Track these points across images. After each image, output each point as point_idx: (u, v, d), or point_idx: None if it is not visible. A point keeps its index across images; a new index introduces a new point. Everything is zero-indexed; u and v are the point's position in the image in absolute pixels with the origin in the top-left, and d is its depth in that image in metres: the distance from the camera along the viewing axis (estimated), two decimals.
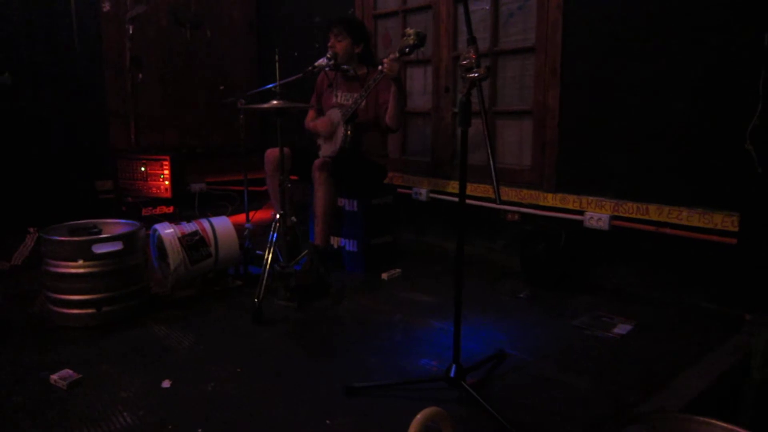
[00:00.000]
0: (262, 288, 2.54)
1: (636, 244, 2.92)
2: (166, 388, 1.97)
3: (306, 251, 2.96)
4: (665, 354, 2.23)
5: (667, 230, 2.78)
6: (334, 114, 3.28)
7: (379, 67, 2.93)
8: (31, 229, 3.40)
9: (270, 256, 2.62)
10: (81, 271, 2.41)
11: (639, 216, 2.87)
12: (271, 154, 3.28)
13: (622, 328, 2.45)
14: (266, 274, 2.58)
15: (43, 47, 4.02)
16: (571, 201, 3.14)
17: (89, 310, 2.44)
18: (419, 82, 4.00)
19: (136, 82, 4.61)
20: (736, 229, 2.56)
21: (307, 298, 2.76)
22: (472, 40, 1.73)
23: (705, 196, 2.67)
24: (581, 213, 3.08)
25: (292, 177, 3.39)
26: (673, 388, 1.95)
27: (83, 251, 2.41)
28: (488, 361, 2.09)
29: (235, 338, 2.38)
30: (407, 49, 2.82)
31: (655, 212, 2.81)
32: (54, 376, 1.99)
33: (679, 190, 2.75)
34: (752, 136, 2.48)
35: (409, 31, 2.81)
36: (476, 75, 1.70)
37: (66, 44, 4.16)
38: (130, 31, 4.51)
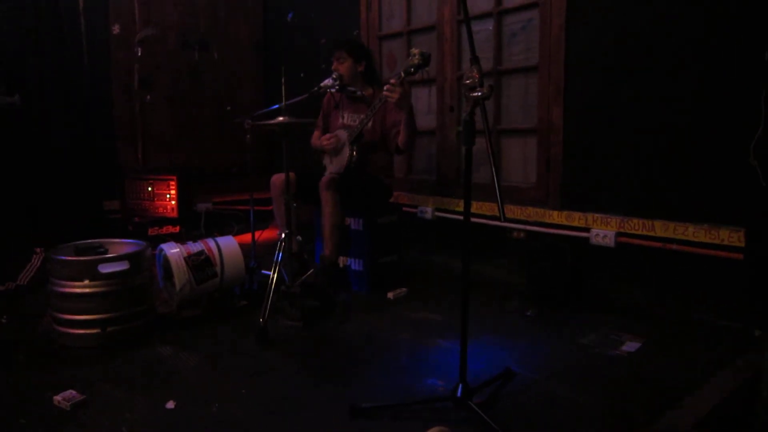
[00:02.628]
0: (267, 308, 2.54)
1: (642, 260, 2.90)
2: (171, 409, 1.95)
3: (312, 270, 2.95)
4: (675, 371, 2.20)
5: (674, 246, 2.77)
6: (341, 135, 3.30)
7: (383, 93, 2.95)
8: (38, 249, 3.41)
9: (275, 275, 2.62)
10: (87, 290, 2.41)
11: (645, 232, 2.86)
12: (278, 179, 3.28)
13: (630, 346, 2.42)
14: (271, 294, 2.57)
15: (52, 69, 4.07)
16: (576, 218, 3.13)
17: (94, 330, 2.43)
18: (424, 102, 4.03)
19: (144, 103, 4.66)
20: (743, 245, 2.54)
21: (312, 318, 2.75)
22: (475, 60, 1.75)
23: (710, 211, 2.66)
24: (587, 230, 3.07)
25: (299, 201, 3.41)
26: (684, 406, 1.93)
27: (89, 271, 2.42)
28: (495, 380, 2.07)
29: (240, 358, 2.37)
30: (412, 69, 2.84)
31: (661, 228, 2.80)
32: (58, 397, 1.98)
33: (684, 206, 2.74)
34: (756, 150, 2.48)
35: (414, 51, 2.83)
36: (479, 94, 1.72)
37: (75, 66, 4.22)
38: (139, 53, 4.57)
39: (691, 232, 2.70)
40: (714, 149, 2.64)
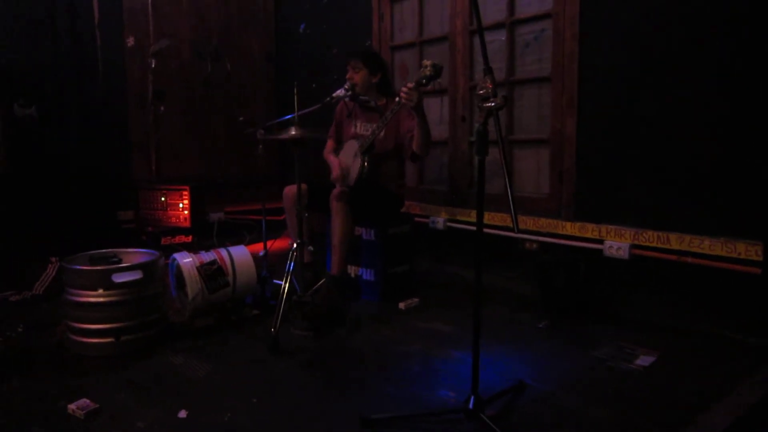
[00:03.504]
0: (279, 318, 2.54)
1: (657, 273, 2.87)
2: (183, 419, 1.96)
3: (323, 280, 2.96)
4: (691, 386, 2.17)
5: (689, 259, 2.73)
6: (352, 146, 3.31)
7: (397, 99, 2.95)
8: (53, 259, 3.45)
9: (287, 285, 2.63)
10: (101, 300, 2.43)
11: (660, 245, 2.83)
12: (290, 191, 3.29)
13: (644, 360, 2.39)
14: (283, 304, 2.58)
15: (68, 81, 4.14)
16: (590, 229, 3.11)
17: (108, 339, 2.45)
18: (436, 112, 4.04)
19: (157, 114, 4.71)
20: (761, 258, 2.51)
21: (324, 328, 2.75)
22: (488, 70, 1.75)
23: (727, 224, 2.63)
24: (600, 242, 3.04)
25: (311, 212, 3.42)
26: (701, 422, 1.90)
27: (103, 280, 2.44)
28: (507, 393, 2.06)
29: (252, 368, 2.37)
30: (424, 80, 2.85)
31: (676, 241, 2.77)
32: (72, 406, 1.99)
33: (700, 218, 2.71)
34: None
35: (426, 62, 2.83)
36: (493, 104, 1.72)
37: (91, 78, 4.29)
38: (153, 65, 4.63)
39: (707, 245, 2.67)
40: (731, 161, 2.61)
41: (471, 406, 1.84)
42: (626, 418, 1.95)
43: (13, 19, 3.87)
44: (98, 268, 2.48)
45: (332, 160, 3.43)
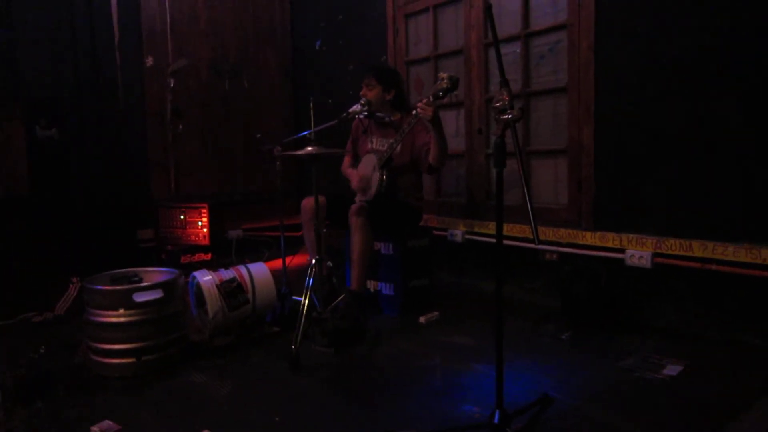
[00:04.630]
0: (299, 334, 2.53)
1: (681, 281, 2.83)
2: None
3: (342, 296, 2.95)
4: (719, 396, 2.13)
5: (713, 266, 2.69)
6: (369, 161, 3.31)
7: (414, 112, 2.96)
8: (74, 279, 3.48)
9: (307, 301, 2.62)
10: (122, 320, 2.44)
11: (682, 253, 2.79)
12: (308, 203, 3.29)
13: (671, 369, 2.35)
14: (303, 321, 2.57)
15: (89, 102, 4.19)
16: (610, 239, 3.07)
17: (130, 360, 2.45)
18: (451, 125, 4.03)
19: (176, 133, 4.77)
20: None
21: (344, 344, 2.74)
22: (504, 83, 1.75)
23: (751, 230, 2.58)
24: (622, 251, 3.00)
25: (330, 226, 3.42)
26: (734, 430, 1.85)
27: (124, 300, 2.45)
28: (533, 406, 2.02)
29: (273, 386, 2.37)
30: (441, 93, 2.85)
31: (699, 248, 2.73)
32: (95, 428, 2.00)
33: (723, 224, 2.67)
34: None
35: (443, 75, 2.84)
36: (510, 116, 1.71)
37: (111, 98, 4.34)
38: (171, 84, 4.69)
39: (731, 251, 2.62)
40: (752, 167, 2.57)
41: (496, 420, 1.81)
42: (655, 430, 1.91)
43: (34, 42, 3.95)
44: (119, 287, 2.49)
45: (351, 172, 3.44)
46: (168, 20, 4.67)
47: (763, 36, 2.50)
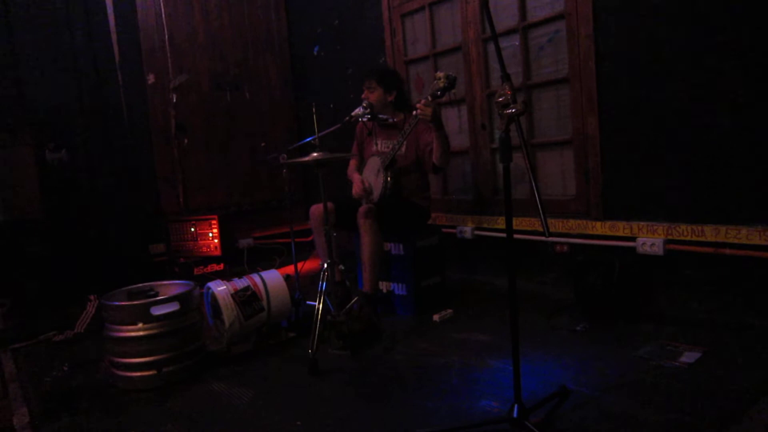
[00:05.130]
0: (315, 339, 2.55)
1: (694, 267, 2.81)
2: None
3: (356, 299, 2.97)
4: (738, 381, 2.11)
5: (727, 251, 2.67)
6: (374, 163, 3.33)
7: (414, 113, 2.97)
8: (92, 297, 3.53)
9: (321, 305, 2.64)
10: (141, 333, 2.48)
11: (695, 238, 2.78)
12: (316, 210, 3.31)
13: (689, 356, 2.34)
14: (318, 325, 2.59)
15: (94, 123, 4.24)
16: (621, 228, 3.07)
17: (151, 372, 2.49)
18: (454, 122, 4.05)
19: (182, 147, 4.81)
20: None
21: (360, 346, 2.76)
22: (506, 77, 1.76)
23: (764, 212, 2.57)
24: (633, 239, 3.00)
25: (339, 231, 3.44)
26: (752, 417, 1.85)
27: (142, 314, 2.49)
28: (551, 399, 2.03)
29: (293, 391, 2.39)
30: (439, 92, 2.86)
31: (711, 233, 2.72)
32: None
33: (734, 208, 2.66)
34: None
35: (439, 74, 2.85)
36: (513, 111, 1.72)
37: (115, 117, 4.39)
38: (174, 100, 4.74)
39: (744, 234, 2.61)
40: (762, 147, 2.56)
41: (515, 414, 1.82)
42: (676, 417, 1.90)
43: (39, 69, 4.01)
44: (137, 302, 2.53)
45: (355, 177, 3.46)
46: (166, 37, 4.72)
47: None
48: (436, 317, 3.10)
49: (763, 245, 2.55)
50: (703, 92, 2.71)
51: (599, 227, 3.16)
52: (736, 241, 2.64)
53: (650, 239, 2.93)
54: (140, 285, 2.76)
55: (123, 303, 2.54)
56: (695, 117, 2.75)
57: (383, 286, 3.35)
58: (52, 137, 4.04)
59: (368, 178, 3.38)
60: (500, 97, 1.75)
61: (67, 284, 3.84)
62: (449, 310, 3.17)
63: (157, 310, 2.50)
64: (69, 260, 3.98)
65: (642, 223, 2.97)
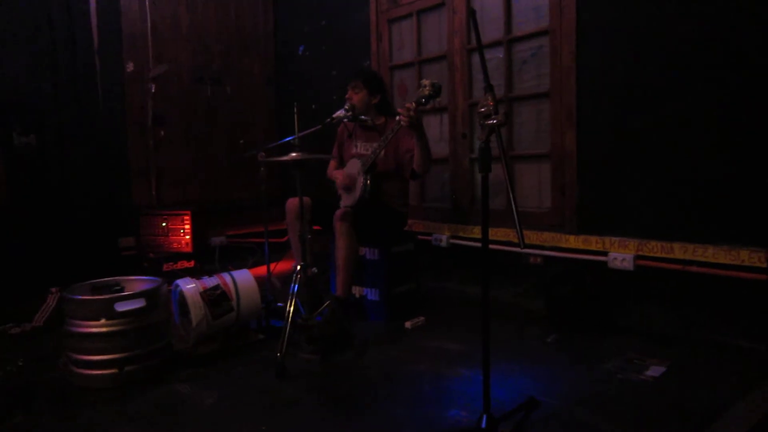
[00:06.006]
0: (285, 342, 2.51)
1: (663, 283, 2.86)
2: None
3: (328, 302, 2.93)
4: (702, 396, 2.15)
5: (694, 268, 2.73)
6: (354, 165, 3.31)
7: (397, 118, 2.96)
8: (53, 289, 3.41)
9: (292, 308, 2.60)
10: (103, 330, 2.40)
11: (664, 255, 2.82)
12: (292, 204, 3.28)
13: (655, 370, 2.37)
14: (288, 327, 2.55)
15: (68, 108, 4.14)
16: (593, 242, 3.09)
17: (111, 371, 2.41)
18: (435, 130, 4.05)
19: (158, 139, 4.72)
20: (764, 265, 2.50)
21: (330, 350, 2.72)
22: (489, 88, 1.75)
23: (730, 232, 2.63)
24: (605, 254, 3.03)
25: (315, 227, 3.41)
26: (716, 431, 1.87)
27: (105, 309, 2.41)
28: (520, 410, 2.03)
29: (259, 394, 2.34)
30: (423, 100, 2.86)
31: (680, 250, 2.76)
32: None
33: (703, 227, 2.71)
34: None
35: (425, 82, 2.85)
36: (495, 121, 1.71)
37: (90, 104, 4.29)
38: (153, 90, 4.65)
39: (711, 253, 2.66)
40: (732, 169, 2.61)
41: (483, 425, 1.81)
42: (641, 430, 1.92)
43: (11, 46, 3.89)
44: (100, 297, 2.45)
45: (336, 173, 3.44)
46: (149, 25, 4.63)
47: (742, 40, 2.54)
48: (408, 324, 3.09)
49: (729, 264, 2.60)
50: (677, 115, 2.76)
51: (573, 241, 3.19)
52: (703, 259, 2.69)
53: (621, 254, 2.96)
54: (106, 279, 2.68)
55: (86, 297, 2.46)
56: (668, 138, 2.80)
57: (356, 290, 3.33)
58: (21, 120, 3.92)
59: (349, 174, 3.35)
60: (482, 107, 1.74)
61: (28, 274, 3.72)
62: (421, 318, 3.16)
63: (122, 306, 2.43)
64: (31, 250, 3.86)
65: (614, 238, 3.01)
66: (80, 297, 2.45)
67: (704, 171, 2.70)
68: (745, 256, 2.55)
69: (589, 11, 3.05)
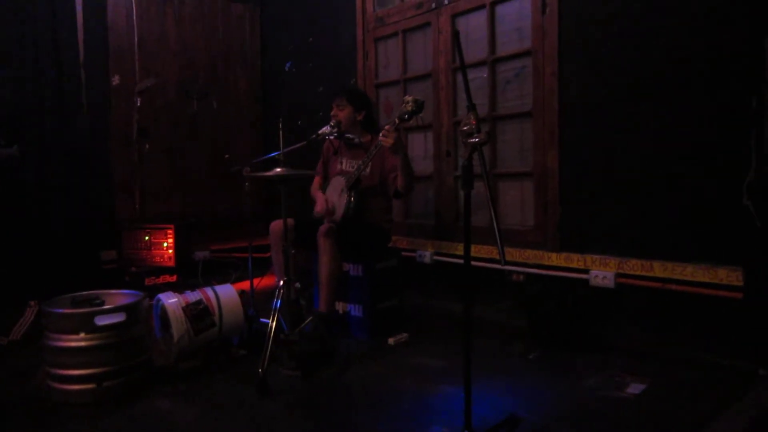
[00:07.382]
0: (267, 358, 2.50)
1: (643, 301, 2.89)
2: None
3: (310, 318, 2.92)
4: (682, 412, 2.18)
5: (673, 286, 2.77)
6: (338, 182, 3.32)
7: (379, 137, 2.99)
8: (32, 303, 3.35)
9: (274, 324, 2.59)
10: (82, 344, 2.36)
11: (644, 273, 2.86)
12: (276, 226, 3.27)
13: (635, 388, 2.39)
14: (270, 343, 2.54)
15: (51, 120, 4.10)
16: (575, 260, 3.13)
17: (90, 386, 2.37)
18: (420, 147, 4.08)
19: (142, 153, 4.70)
20: (742, 283, 2.55)
21: (312, 367, 2.71)
22: (472, 107, 1.79)
23: (708, 251, 2.68)
24: (586, 272, 3.07)
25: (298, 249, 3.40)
26: None
27: (85, 323, 2.37)
28: (501, 427, 2.03)
29: (240, 411, 2.32)
30: (406, 116, 2.89)
31: (659, 269, 2.80)
32: None
33: (682, 246, 2.76)
34: (749, 190, 2.52)
35: (408, 98, 2.88)
36: (477, 140, 1.75)
37: (75, 117, 4.25)
38: (138, 103, 4.64)
39: (690, 272, 2.70)
40: (710, 190, 2.67)
41: None
42: None
43: None
44: (80, 310, 2.42)
45: (318, 195, 3.44)
46: (136, 39, 4.64)
47: (721, 66, 2.62)
48: (391, 340, 3.08)
49: (707, 282, 2.65)
50: (656, 136, 2.82)
51: (555, 258, 3.22)
52: (682, 277, 2.73)
53: (602, 272, 2.99)
54: (86, 292, 2.64)
55: (65, 310, 2.43)
56: (650, 158, 2.86)
57: (340, 306, 3.32)
58: (3, 132, 3.88)
59: (331, 197, 3.36)
60: (465, 125, 1.78)
61: (6, 287, 3.65)
62: (405, 334, 3.16)
63: (102, 320, 2.40)
64: (11, 261, 3.80)
65: (595, 256, 3.04)
66: (59, 310, 2.42)
67: (683, 191, 2.75)
68: (723, 275, 2.60)
69: (571, 33, 3.12)
